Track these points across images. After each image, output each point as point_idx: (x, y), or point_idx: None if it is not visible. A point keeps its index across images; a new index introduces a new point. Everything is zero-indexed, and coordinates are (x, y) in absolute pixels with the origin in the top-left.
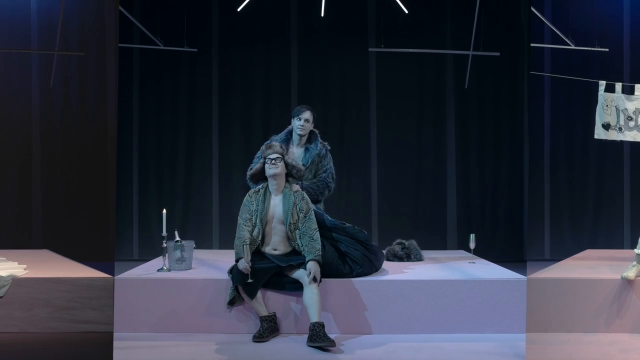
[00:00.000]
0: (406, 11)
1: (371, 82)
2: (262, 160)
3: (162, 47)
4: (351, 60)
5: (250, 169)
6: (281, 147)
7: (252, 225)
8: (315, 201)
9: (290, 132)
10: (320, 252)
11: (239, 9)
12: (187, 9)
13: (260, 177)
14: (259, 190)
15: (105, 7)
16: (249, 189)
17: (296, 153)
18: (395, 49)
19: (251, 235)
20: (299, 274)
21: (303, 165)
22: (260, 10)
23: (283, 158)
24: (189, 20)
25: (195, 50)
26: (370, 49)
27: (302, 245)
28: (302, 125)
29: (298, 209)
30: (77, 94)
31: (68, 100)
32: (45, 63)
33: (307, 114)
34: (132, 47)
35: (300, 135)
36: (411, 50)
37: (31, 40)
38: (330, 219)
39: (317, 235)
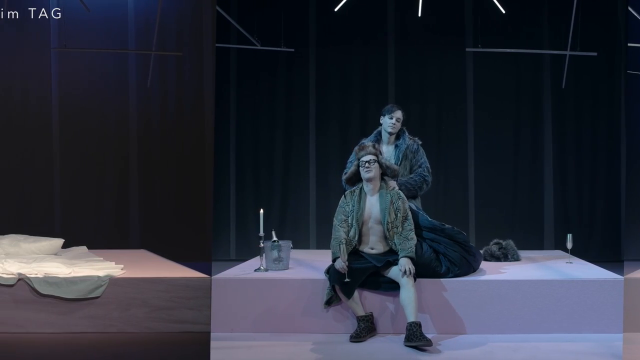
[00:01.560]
0: (503, 11)
1: (468, 82)
2: (356, 163)
3: (259, 47)
4: (448, 60)
5: (345, 173)
6: (374, 146)
7: (348, 226)
8: (413, 197)
9: (379, 133)
10: (413, 250)
11: (336, 9)
12: (284, 8)
13: (356, 179)
14: (354, 191)
15: (202, 7)
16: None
17: (386, 152)
18: (492, 49)
19: (347, 236)
20: (395, 274)
21: (396, 161)
22: (357, 10)
23: (377, 159)
24: (286, 20)
25: (293, 50)
26: (467, 49)
27: (398, 244)
28: (394, 124)
29: (395, 208)
30: (174, 94)
31: (165, 101)
32: (143, 63)
33: (398, 113)
34: (229, 47)
35: (390, 133)
36: (508, 50)
37: (128, 40)
38: (429, 219)
39: (413, 234)
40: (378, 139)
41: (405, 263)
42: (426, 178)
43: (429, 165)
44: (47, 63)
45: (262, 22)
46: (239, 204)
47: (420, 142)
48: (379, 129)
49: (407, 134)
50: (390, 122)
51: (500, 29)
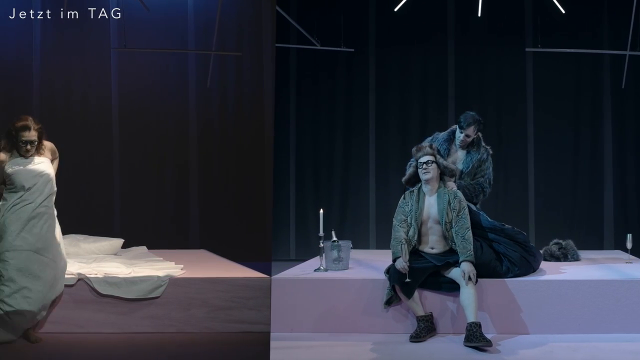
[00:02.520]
0: (563, 11)
1: (528, 82)
2: (414, 164)
3: (319, 47)
4: (508, 60)
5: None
6: (431, 146)
7: (408, 226)
8: (468, 201)
9: (453, 133)
10: (472, 253)
11: (395, 9)
12: (344, 8)
13: (415, 180)
14: (413, 191)
15: (262, 6)
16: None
17: (459, 155)
18: (552, 49)
19: (407, 236)
20: (455, 274)
21: (464, 169)
22: (416, 10)
23: (435, 160)
24: (346, 20)
25: (352, 50)
26: (527, 49)
27: (457, 245)
28: (463, 140)
29: (451, 208)
30: (234, 94)
31: (225, 101)
32: (202, 63)
33: (470, 130)
34: (289, 47)
35: (460, 147)
36: (568, 50)
37: (188, 40)
38: (489, 219)
39: (469, 234)
40: (451, 139)
41: (466, 268)
42: (485, 189)
43: (492, 177)
44: (106, 63)
45: (322, 22)
46: (298, 204)
47: (490, 152)
48: (453, 127)
49: (482, 142)
50: (460, 136)
51: (560, 28)
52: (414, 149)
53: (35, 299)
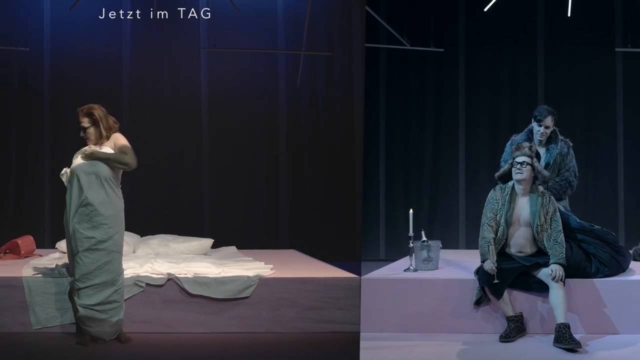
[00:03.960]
0: None
1: (617, 82)
2: (510, 162)
3: (408, 47)
4: (597, 59)
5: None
6: (530, 148)
7: (497, 225)
8: (558, 199)
9: (531, 132)
10: (563, 255)
11: (485, 9)
12: (434, 8)
13: (508, 178)
14: (505, 188)
15: (351, 6)
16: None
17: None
18: None
19: (495, 236)
20: (545, 275)
21: (546, 164)
22: (506, 10)
23: (531, 162)
24: (436, 20)
25: (442, 50)
26: (617, 49)
27: (548, 248)
28: (543, 133)
29: (545, 212)
30: (324, 94)
31: (314, 101)
32: (292, 63)
33: (548, 120)
34: (378, 47)
35: (540, 141)
36: None
37: (277, 40)
38: (577, 220)
39: (562, 237)
40: (529, 137)
41: (556, 269)
42: (572, 183)
43: (576, 170)
44: (196, 63)
45: (412, 22)
46: (388, 204)
47: (571, 144)
48: (530, 127)
49: (559, 135)
50: (538, 129)
51: None
52: (513, 147)
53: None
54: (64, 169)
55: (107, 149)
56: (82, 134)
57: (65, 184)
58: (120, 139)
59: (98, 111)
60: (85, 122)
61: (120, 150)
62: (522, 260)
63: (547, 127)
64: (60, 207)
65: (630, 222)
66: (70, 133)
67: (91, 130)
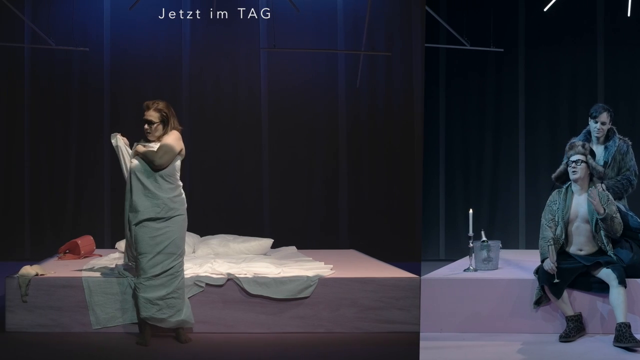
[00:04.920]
0: None
1: None
2: (565, 162)
3: (468, 47)
4: None
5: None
6: (584, 146)
7: (555, 225)
8: (618, 198)
9: (589, 132)
10: (613, 210)
11: (545, 9)
12: (493, 8)
13: (565, 178)
14: (561, 190)
15: (411, 6)
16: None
17: (596, 152)
18: None
19: (554, 235)
20: (605, 274)
21: (604, 162)
22: (566, 10)
23: (585, 160)
24: (495, 20)
25: (502, 50)
26: None
27: (607, 245)
28: (599, 129)
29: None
30: (384, 94)
31: (374, 101)
32: (352, 63)
33: (604, 116)
34: (438, 47)
35: (597, 138)
36: None
37: (337, 40)
38: (638, 220)
39: (618, 215)
40: (587, 139)
41: (595, 195)
42: (632, 181)
43: (637, 169)
44: (256, 63)
45: (471, 22)
46: (448, 204)
47: (630, 143)
48: (587, 128)
49: (617, 134)
50: (595, 126)
51: None
52: (567, 146)
53: None
54: (115, 134)
55: (154, 145)
56: (145, 126)
57: (114, 147)
58: (167, 138)
59: (169, 111)
60: (155, 117)
61: (159, 147)
62: (583, 260)
63: (603, 123)
64: (119, 207)
65: None
66: (130, 133)
67: (158, 127)
